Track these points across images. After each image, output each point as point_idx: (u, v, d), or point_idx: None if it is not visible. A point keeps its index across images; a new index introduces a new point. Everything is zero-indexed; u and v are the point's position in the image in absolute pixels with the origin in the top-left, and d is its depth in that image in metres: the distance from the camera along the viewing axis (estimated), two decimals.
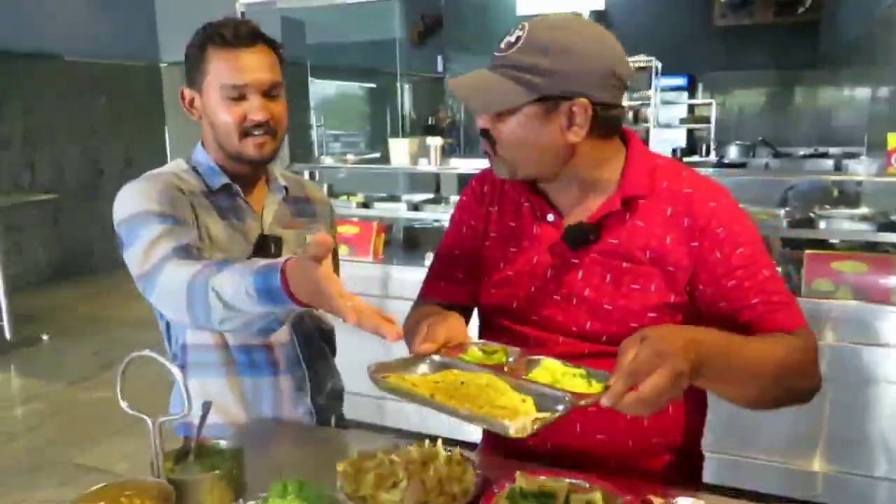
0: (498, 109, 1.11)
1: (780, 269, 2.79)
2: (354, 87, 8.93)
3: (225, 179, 1.41)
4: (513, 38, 1.09)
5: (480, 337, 1.28)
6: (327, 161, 3.90)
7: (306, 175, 3.81)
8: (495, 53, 1.12)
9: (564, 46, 1.07)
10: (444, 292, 1.33)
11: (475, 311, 1.36)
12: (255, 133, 1.34)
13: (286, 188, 1.51)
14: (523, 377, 0.99)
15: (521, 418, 0.85)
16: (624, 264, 1.16)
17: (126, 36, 7.15)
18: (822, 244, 2.70)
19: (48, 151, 6.43)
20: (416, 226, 3.51)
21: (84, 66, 6.75)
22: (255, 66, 1.32)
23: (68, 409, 3.76)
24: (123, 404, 0.94)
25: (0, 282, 4.59)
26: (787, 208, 2.93)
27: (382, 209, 3.54)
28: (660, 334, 0.92)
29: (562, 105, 1.08)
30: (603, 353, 1.12)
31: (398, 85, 6.98)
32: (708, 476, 2.61)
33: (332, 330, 1.61)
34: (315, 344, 1.51)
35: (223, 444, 1.02)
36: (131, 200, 1.29)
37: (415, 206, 3.45)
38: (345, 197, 3.68)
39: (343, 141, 8.16)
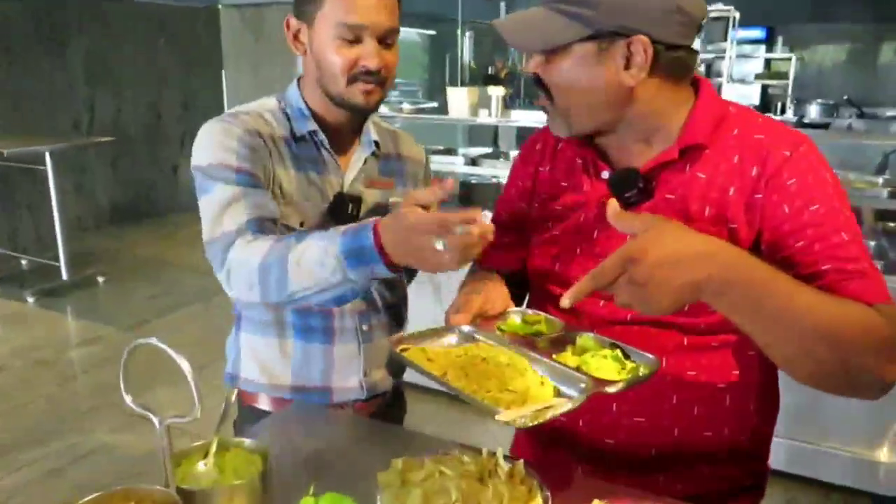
0: (544, 47, 1.00)
1: (874, 243, 2.55)
2: (413, 35, 8.70)
3: (313, 126, 1.31)
4: None
5: (529, 304, 1.25)
6: (382, 110, 3.74)
7: None
8: None
9: None
10: (495, 259, 1.23)
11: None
12: (364, 80, 1.24)
13: (377, 143, 1.40)
14: (553, 356, 0.95)
15: (516, 410, 0.81)
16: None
17: None
18: None
19: (108, 94, 6.45)
20: (474, 181, 3.34)
21: (146, 7, 6.70)
22: (377, 6, 1.22)
23: (122, 355, 3.79)
24: (127, 398, 0.83)
25: (57, 222, 4.64)
26: (885, 176, 2.64)
27: (439, 163, 3.40)
28: (657, 234, 0.81)
29: (618, 42, 0.97)
30: (646, 319, 1.03)
31: (458, 32, 6.72)
32: (777, 462, 2.49)
33: (403, 299, 1.51)
34: (375, 315, 1.41)
35: (248, 442, 0.90)
36: (210, 145, 1.23)
37: (472, 161, 3.29)
38: None
39: (401, 90, 7.99)
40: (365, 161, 1.37)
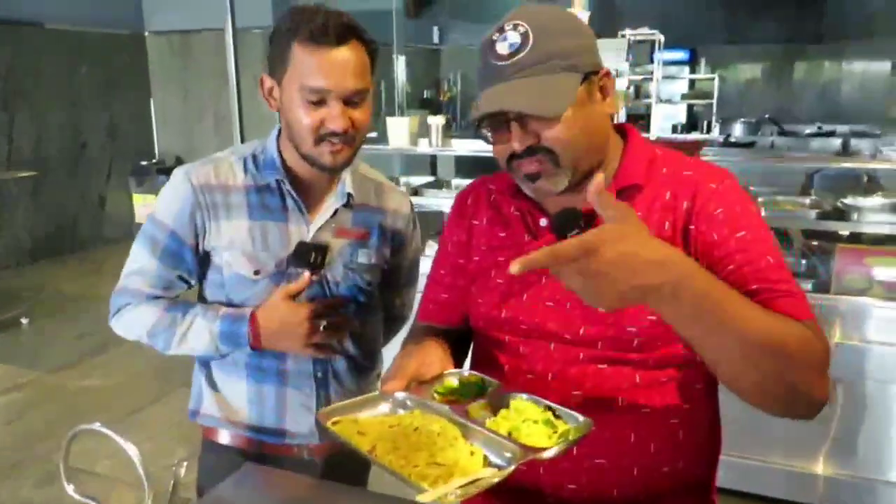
0: (569, 104, 1.01)
1: (805, 262, 2.65)
2: None
3: (278, 175, 1.34)
4: (516, 39, 1.01)
5: (474, 354, 1.27)
6: None
7: None
8: (502, 63, 1.01)
9: (568, 22, 1.05)
10: (434, 315, 1.28)
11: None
12: (332, 140, 1.24)
13: (350, 194, 1.38)
14: (487, 421, 0.96)
15: (443, 487, 0.81)
16: None
17: (109, 3, 6.86)
18: (852, 237, 2.54)
19: (28, 123, 6.17)
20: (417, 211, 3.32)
21: (66, 34, 6.47)
22: (340, 69, 1.21)
23: (50, 400, 3.59)
24: (69, 488, 0.76)
25: None
26: (812, 197, 2.76)
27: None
28: (620, 238, 0.79)
29: (593, 78, 1.05)
30: (599, 358, 1.05)
31: (394, 57, 6.74)
32: (721, 481, 2.54)
33: (371, 353, 1.50)
34: (334, 364, 1.41)
35: None
36: (165, 198, 1.35)
37: (414, 191, 3.26)
38: None
39: None
40: (336, 211, 1.37)
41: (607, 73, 1.06)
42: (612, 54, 6.62)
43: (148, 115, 7.25)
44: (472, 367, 1.25)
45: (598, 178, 0.83)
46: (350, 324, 1.37)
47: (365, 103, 1.27)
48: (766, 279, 0.98)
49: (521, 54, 1.00)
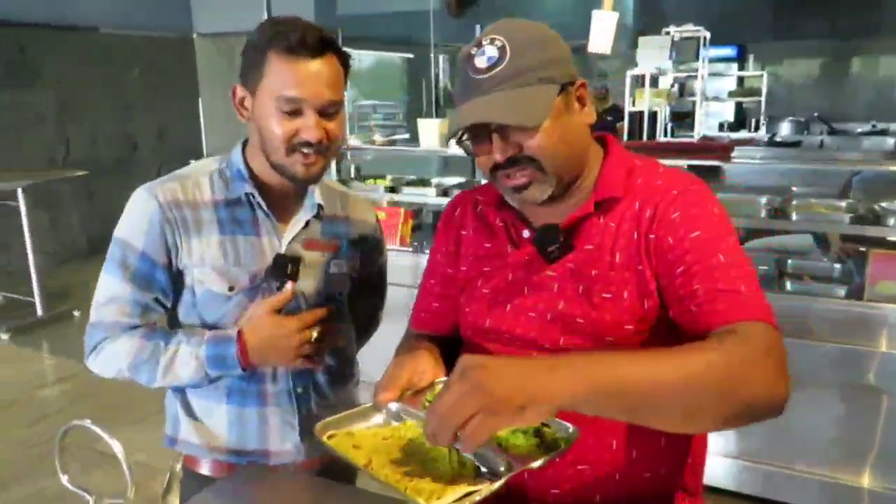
0: (548, 114, 1.02)
1: (839, 266, 2.58)
2: (388, 60, 8.76)
3: (249, 188, 1.32)
4: (494, 53, 1.02)
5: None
6: (354, 142, 3.75)
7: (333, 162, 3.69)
8: (480, 77, 1.03)
9: (543, 35, 1.06)
10: (425, 323, 1.30)
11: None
12: (305, 151, 1.24)
13: (320, 206, 1.38)
14: None
15: (437, 502, 0.83)
16: (593, 272, 1.07)
17: (159, 8, 7.07)
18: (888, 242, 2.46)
19: (82, 126, 6.43)
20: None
21: (118, 38, 6.70)
22: (316, 80, 1.22)
23: (95, 393, 3.74)
24: (64, 479, 0.82)
25: (30, 257, 4.59)
26: (849, 200, 2.68)
27: (410, 194, 3.41)
28: (498, 378, 0.78)
29: (569, 89, 1.06)
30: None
31: (432, 56, 6.78)
32: (748, 487, 2.49)
33: (348, 361, 1.49)
34: (313, 377, 1.40)
35: None
36: (130, 219, 1.30)
37: (444, 192, 3.29)
38: (371, 181, 3.55)
39: (379, 113, 8.02)
40: (307, 223, 1.36)
41: (583, 84, 1.08)
42: (654, 52, 6.54)
43: (196, 117, 7.46)
44: None
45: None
46: (337, 333, 1.38)
47: (338, 115, 1.27)
48: (710, 278, 0.96)
49: (499, 68, 1.01)
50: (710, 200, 1.07)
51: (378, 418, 1.04)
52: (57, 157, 6.20)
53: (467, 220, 1.25)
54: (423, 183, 3.52)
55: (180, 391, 1.37)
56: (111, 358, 1.28)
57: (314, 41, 1.21)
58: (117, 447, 0.78)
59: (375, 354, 1.55)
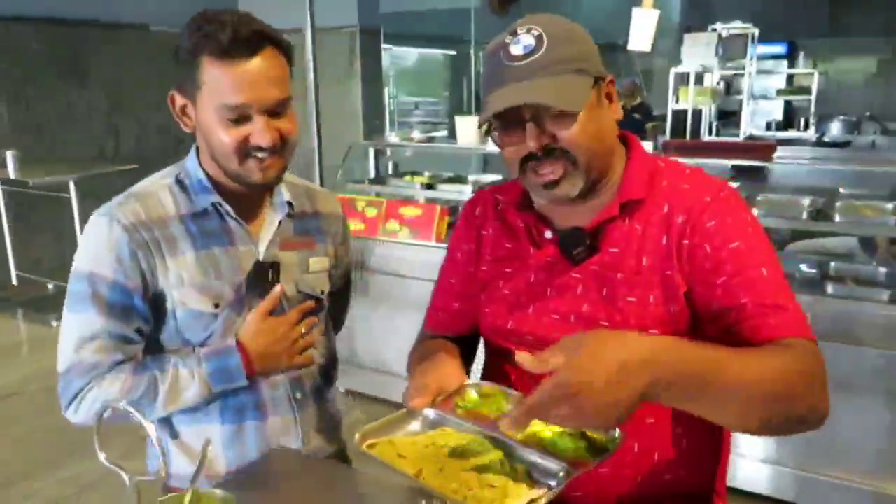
0: (585, 103, 1.02)
1: (885, 271, 2.50)
2: (430, 57, 8.79)
3: (214, 198, 1.23)
4: (531, 41, 1.02)
5: (485, 361, 1.28)
6: (393, 138, 3.79)
7: (371, 154, 3.73)
8: (516, 64, 1.02)
9: (576, 30, 1.06)
10: (443, 324, 1.30)
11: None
12: (259, 156, 1.16)
13: (290, 203, 1.32)
14: (519, 436, 0.94)
15: None
16: (619, 275, 1.07)
17: (207, 7, 7.21)
18: None
19: (131, 121, 6.61)
20: None
21: (167, 36, 6.86)
22: (258, 80, 1.12)
23: None
24: (101, 456, 0.85)
25: None
26: None
27: (447, 191, 3.42)
28: (592, 355, 0.80)
29: (601, 84, 1.06)
30: None
31: (472, 53, 6.78)
32: (791, 494, 2.44)
33: (333, 360, 1.46)
34: (309, 381, 1.36)
35: (220, 493, 0.92)
36: (92, 250, 1.19)
37: (481, 188, 3.29)
38: (408, 177, 3.57)
39: (419, 110, 8.05)
40: (279, 223, 1.30)
41: (612, 81, 1.08)
42: (700, 49, 6.43)
43: None
44: (484, 375, 1.27)
45: (523, 357, 0.84)
46: (323, 327, 1.38)
47: (289, 112, 1.18)
48: (756, 291, 0.97)
49: (536, 56, 1.00)
50: (743, 208, 1.06)
51: (415, 425, 1.03)
52: (106, 151, 6.40)
53: (488, 220, 1.24)
54: (460, 180, 3.53)
55: (167, 422, 1.27)
56: (96, 403, 1.15)
57: (249, 37, 1.11)
58: (150, 428, 0.81)
59: (395, 345, 1.55)
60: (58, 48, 5.94)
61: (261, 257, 1.27)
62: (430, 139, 3.78)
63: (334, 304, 1.47)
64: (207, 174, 1.24)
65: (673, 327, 1.04)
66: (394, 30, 6.36)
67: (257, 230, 1.29)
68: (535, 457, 0.92)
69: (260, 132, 1.14)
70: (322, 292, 1.37)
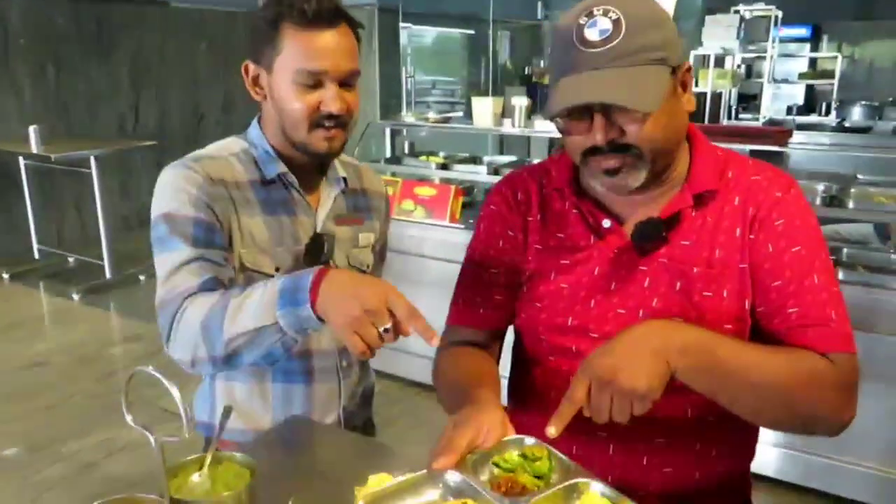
0: (662, 99, 0.94)
1: None
2: (448, 37, 8.73)
3: (282, 168, 1.28)
4: (607, 25, 0.93)
5: (522, 357, 1.19)
6: (409, 118, 3.81)
7: (387, 133, 3.76)
8: (592, 51, 0.93)
9: (657, 12, 0.98)
10: (481, 319, 1.19)
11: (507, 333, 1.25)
12: (327, 125, 1.21)
13: (345, 179, 1.38)
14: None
15: None
16: (695, 269, 1.04)
17: None
18: None
19: (152, 97, 6.66)
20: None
21: (188, 12, 6.89)
22: (335, 50, 1.18)
23: (161, 352, 3.94)
24: (128, 418, 0.90)
25: (101, 222, 4.82)
26: None
27: (462, 172, 3.44)
28: (619, 350, 0.90)
29: (678, 73, 0.99)
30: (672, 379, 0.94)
31: (491, 33, 6.73)
32: (795, 477, 2.46)
33: None
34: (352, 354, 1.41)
35: (239, 456, 0.97)
36: (171, 194, 1.21)
37: (495, 170, 3.31)
38: (424, 157, 3.60)
39: (437, 90, 8.02)
40: (335, 199, 1.36)
41: (689, 68, 1.01)
42: (721, 31, 6.35)
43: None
44: (516, 377, 1.22)
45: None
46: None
47: (356, 87, 1.23)
48: (804, 301, 0.99)
49: (614, 42, 0.92)
50: (809, 210, 1.05)
51: (433, 493, 0.89)
52: (127, 127, 6.46)
53: (533, 206, 1.16)
54: (475, 161, 3.54)
55: (223, 378, 1.34)
56: (187, 324, 1.11)
57: (329, 10, 1.17)
58: (174, 391, 0.85)
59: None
60: (82, 25, 5.99)
61: (319, 229, 1.32)
62: (447, 119, 3.80)
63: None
64: (272, 146, 1.29)
65: (744, 323, 1.03)
66: (412, 8, 6.34)
67: (315, 204, 1.34)
68: None
69: (332, 99, 1.19)
70: (368, 266, 1.42)
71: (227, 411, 0.99)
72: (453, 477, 0.89)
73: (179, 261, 1.16)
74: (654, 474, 1.09)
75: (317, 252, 1.27)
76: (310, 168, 1.32)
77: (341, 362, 1.39)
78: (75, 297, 4.73)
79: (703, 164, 1.06)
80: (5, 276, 5.10)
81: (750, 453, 1.19)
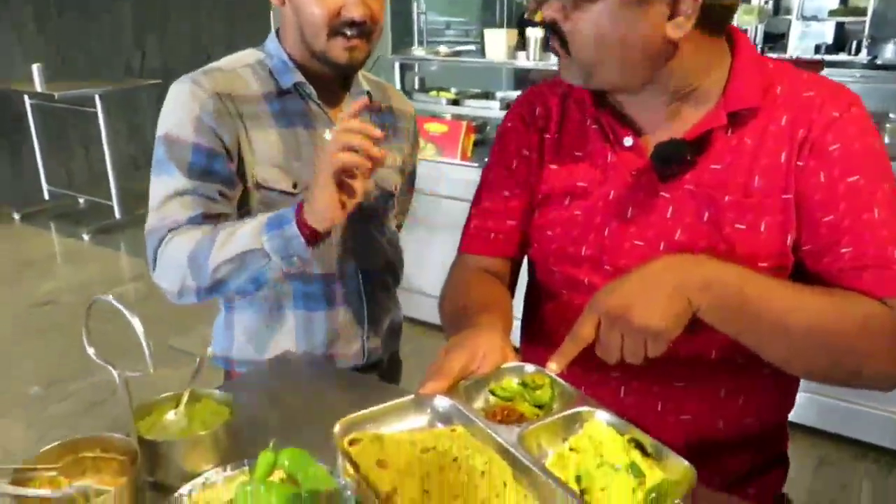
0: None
1: None
2: None
3: (298, 77, 1.22)
4: None
5: (534, 290, 1.11)
6: (418, 52, 3.66)
7: (396, 68, 3.62)
8: None
9: None
10: (492, 245, 1.11)
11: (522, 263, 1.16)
12: (348, 33, 1.14)
13: (369, 94, 1.31)
14: (549, 456, 0.75)
15: None
16: (727, 197, 0.91)
17: None
18: None
19: (157, 35, 6.51)
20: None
21: None
22: None
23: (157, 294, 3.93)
24: (90, 351, 0.84)
25: (108, 162, 4.76)
26: None
27: (474, 107, 3.31)
28: (633, 284, 0.82)
29: None
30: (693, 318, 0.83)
31: None
32: (809, 419, 2.40)
33: (400, 260, 1.47)
34: (377, 275, 1.37)
35: (218, 394, 0.91)
36: (174, 112, 1.17)
37: (508, 106, 3.18)
38: (434, 93, 3.47)
39: (451, 30, 7.79)
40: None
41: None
42: None
43: (266, 29, 7.44)
44: (530, 308, 1.13)
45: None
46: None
47: None
48: (860, 240, 0.86)
49: None
50: (872, 132, 0.90)
51: (420, 419, 0.81)
52: (133, 66, 6.33)
53: (551, 121, 1.05)
54: (487, 96, 3.41)
55: (240, 309, 1.30)
56: (172, 256, 1.11)
57: None
58: (137, 324, 0.79)
59: (416, 262, 1.51)
60: None
61: None
62: (457, 53, 3.65)
63: (398, 204, 1.47)
64: (290, 57, 1.23)
65: (784, 260, 0.91)
66: None
67: (336, 119, 1.27)
68: (559, 491, 0.67)
69: (354, 3, 1.12)
70: (395, 188, 1.37)
71: (200, 363, 0.92)
72: (442, 403, 0.81)
73: (173, 189, 1.14)
74: (671, 422, 1.00)
75: None
76: (331, 81, 1.26)
77: (365, 287, 1.33)
78: (85, 237, 4.72)
79: (743, 79, 0.92)
80: (16, 216, 5.10)
81: (787, 403, 1.08)
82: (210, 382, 1.40)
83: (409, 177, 1.49)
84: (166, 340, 3.33)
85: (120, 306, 0.79)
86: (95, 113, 4.67)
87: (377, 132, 0.99)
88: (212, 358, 1.34)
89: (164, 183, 1.15)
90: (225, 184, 1.17)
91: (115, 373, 0.83)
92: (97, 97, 4.61)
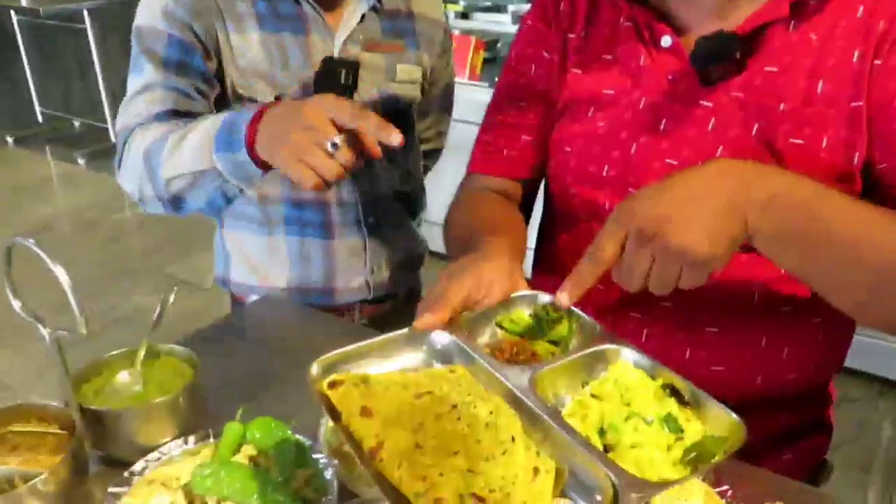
0: None
1: None
2: None
3: None
4: None
5: (550, 217, 0.97)
6: None
7: None
8: None
9: None
10: (504, 165, 0.97)
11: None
12: None
13: None
14: (567, 405, 0.62)
15: None
16: (782, 106, 0.76)
17: None
18: None
19: None
20: None
21: None
22: None
23: (168, 219, 3.81)
24: (16, 304, 0.71)
25: (101, 83, 4.58)
26: None
27: (483, 21, 3.07)
28: (675, 193, 0.62)
29: None
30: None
31: None
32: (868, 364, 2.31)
33: (418, 190, 1.34)
34: (383, 205, 1.24)
35: (180, 350, 0.78)
36: (145, 3, 1.08)
37: (520, 19, 2.95)
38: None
39: None
40: (362, 17, 1.12)
41: None
42: None
43: None
44: (543, 238, 0.98)
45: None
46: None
47: None
48: None
49: None
50: None
51: (415, 357, 0.68)
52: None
53: (578, 19, 0.90)
54: (499, 9, 3.17)
55: (230, 227, 1.22)
56: (132, 157, 1.01)
57: None
58: (61, 273, 0.66)
59: (431, 193, 1.38)
60: None
61: (335, 53, 1.11)
62: None
63: (429, 128, 1.35)
64: None
65: (849, 185, 0.76)
66: None
67: (336, 22, 1.12)
68: (578, 447, 0.55)
69: None
70: (410, 106, 1.23)
71: (164, 303, 0.79)
72: (441, 338, 0.67)
73: (142, 84, 1.05)
74: (700, 374, 0.85)
75: (332, 82, 1.03)
76: None
77: (366, 218, 1.21)
78: (80, 161, 4.58)
79: None
80: (9, 139, 4.94)
81: (836, 360, 0.94)
82: (223, 308, 1.30)
83: (442, 96, 1.34)
84: (163, 268, 3.24)
85: (40, 252, 0.65)
86: (85, 30, 4.43)
87: (396, 138, 0.80)
88: (217, 282, 1.29)
89: (136, 79, 1.07)
90: (202, 80, 1.07)
91: (44, 331, 0.70)
92: (86, 12, 4.36)
